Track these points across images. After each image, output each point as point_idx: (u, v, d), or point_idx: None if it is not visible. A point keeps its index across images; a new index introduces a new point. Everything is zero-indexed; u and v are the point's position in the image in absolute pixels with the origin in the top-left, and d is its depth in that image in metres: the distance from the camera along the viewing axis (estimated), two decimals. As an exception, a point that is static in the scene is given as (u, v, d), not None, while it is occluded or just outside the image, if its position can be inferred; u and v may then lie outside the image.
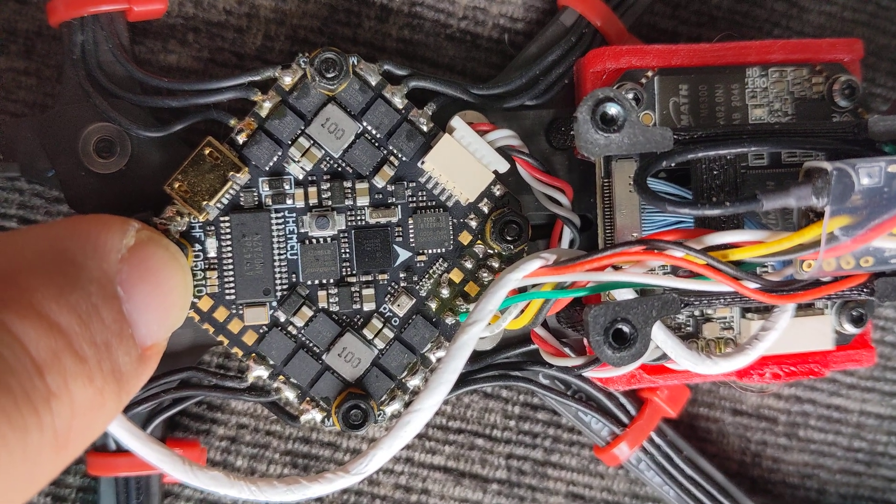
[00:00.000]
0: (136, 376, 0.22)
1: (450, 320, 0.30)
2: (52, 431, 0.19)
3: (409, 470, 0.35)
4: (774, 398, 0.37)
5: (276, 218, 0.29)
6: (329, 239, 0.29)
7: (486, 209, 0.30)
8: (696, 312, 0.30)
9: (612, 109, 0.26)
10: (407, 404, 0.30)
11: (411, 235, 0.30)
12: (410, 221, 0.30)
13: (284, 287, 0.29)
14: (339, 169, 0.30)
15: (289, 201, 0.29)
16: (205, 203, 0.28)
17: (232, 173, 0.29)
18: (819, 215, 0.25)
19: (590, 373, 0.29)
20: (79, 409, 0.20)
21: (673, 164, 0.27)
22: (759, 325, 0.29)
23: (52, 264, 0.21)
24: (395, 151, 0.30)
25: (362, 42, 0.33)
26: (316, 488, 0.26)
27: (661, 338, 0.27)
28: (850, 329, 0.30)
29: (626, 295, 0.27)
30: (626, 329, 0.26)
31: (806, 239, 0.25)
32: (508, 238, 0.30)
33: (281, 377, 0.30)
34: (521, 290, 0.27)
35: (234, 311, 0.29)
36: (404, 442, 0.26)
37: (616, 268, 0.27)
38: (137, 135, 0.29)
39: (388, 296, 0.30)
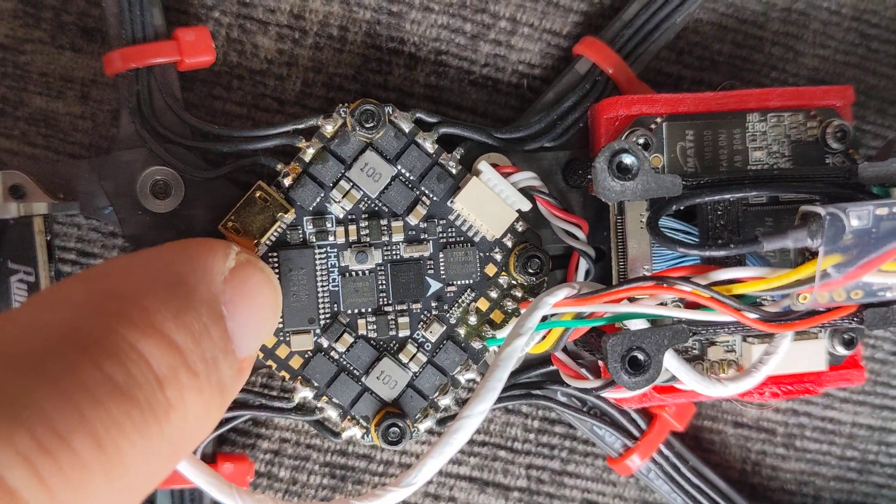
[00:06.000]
0: (235, 388, 0.24)
1: (477, 345, 0.33)
2: (169, 440, 0.21)
3: (436, 479, 0.37)
4: (773, 411, 0.39)
5: (320, 253, 0.32)
6: (367, 272, 0.32)
7: (509, 244, 0.32)
8: (702, 337, 0.32)
9: (628, 159, 0.28)
10: (439, 422, 0.33)
11: (442, 268, 0.32)
12: (441, 256, 0.32)
13: (327, 316, 0.32)
14: (377, 208, 0.32)
15: (331, 238, 0.32)
16: (255, 241, 0.31)
17: (280, 213, 0.31)
18: (814, 254, 0.27)
19: (605, 393, 0.31)
20: (190, 419, 0.21)
21: (682, 208, 0.29)
22: (761, 348, 0.30)
23: (167, 287, 0.22)
24: (426, 192, 0.32)
25: (392, 88, 0.35)
26: None
27: (674, 365, 0.29)
28: (841, 351, 0.32)
29: (638, 324, 0.29)
30: (640, 356, 0.28)
31: (802, 276, 0.27)
32: (531, 271, 0.32)
33: (324, 398, 0.32)
34: (544, 319, 0.29)
35: (282, 338, 0.32)
36: (454, 450, 0.26)
37: (630, 300, 0.29)
38: (191, 177, 0.32)
39: (421, 323, 0.32)
